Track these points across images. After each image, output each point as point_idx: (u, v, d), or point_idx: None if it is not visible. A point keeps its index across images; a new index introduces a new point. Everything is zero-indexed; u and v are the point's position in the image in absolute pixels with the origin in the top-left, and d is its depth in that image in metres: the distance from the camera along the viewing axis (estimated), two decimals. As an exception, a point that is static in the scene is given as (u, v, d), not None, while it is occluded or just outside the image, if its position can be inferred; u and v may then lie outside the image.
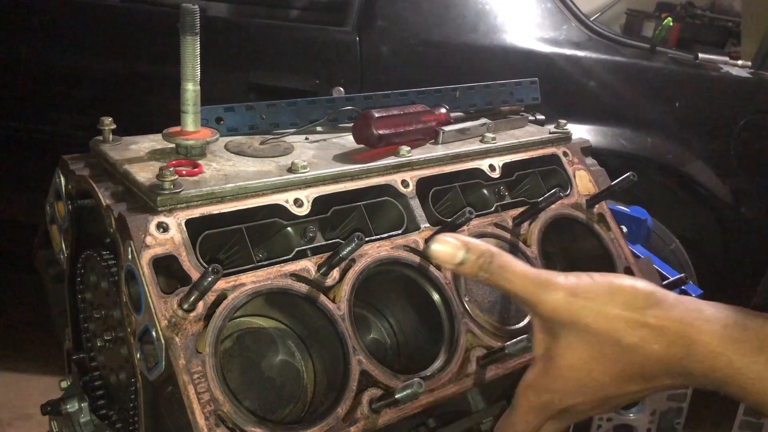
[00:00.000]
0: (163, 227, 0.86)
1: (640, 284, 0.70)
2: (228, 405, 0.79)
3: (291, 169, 0.99)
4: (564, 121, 1.34)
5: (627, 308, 0.68)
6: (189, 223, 0.88)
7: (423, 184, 1.10)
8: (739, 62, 2.53)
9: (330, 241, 1.00)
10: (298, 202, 0.97)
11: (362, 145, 1.12)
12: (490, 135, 1.24)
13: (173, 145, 1.02)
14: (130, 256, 0.84)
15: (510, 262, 0.71)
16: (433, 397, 0.95)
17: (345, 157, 1.09)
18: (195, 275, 0.84)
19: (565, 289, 0.70)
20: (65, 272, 1.07)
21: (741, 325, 0.65)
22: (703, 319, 0.66)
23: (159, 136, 1.04)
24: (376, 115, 1.10)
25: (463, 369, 0.99)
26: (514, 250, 1.14)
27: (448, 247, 0.70)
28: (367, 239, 0.97)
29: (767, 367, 0.62)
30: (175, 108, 1.00)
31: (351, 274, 0.95)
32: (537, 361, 0.76)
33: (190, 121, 1.00)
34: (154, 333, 0.81)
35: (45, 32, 2.34)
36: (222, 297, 0.85)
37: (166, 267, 0.85)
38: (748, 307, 0.67)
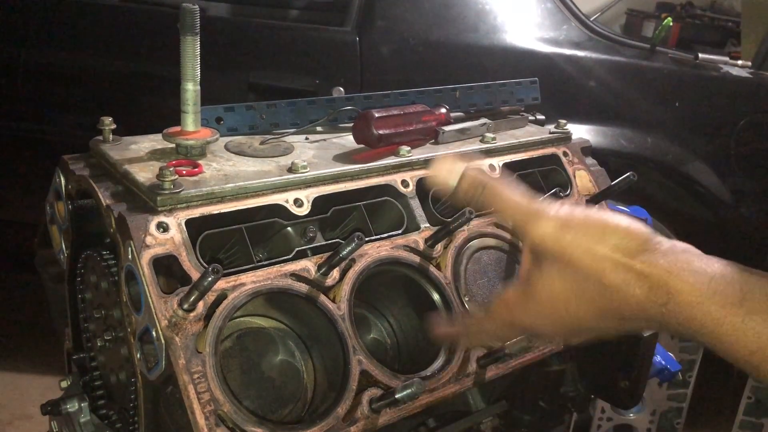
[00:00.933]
0: (163, 227, 0.86)
1: (635, 227, 0.68)
2: (228, 405, 0.79)
3: (291, 169, 0.99)
4: (564, 121, 1.34)
5: (616, 250, 0.67)
6: (189, 223, 0.88)
7: (423, 184, 1.10)
8: (739, 62, 2.53)
9: (330, 241, 1.00)
10: (298, 202, 0.97)
11: (362, 145, 1.12)
12: (490, 135, 1.24)
13: (173, 145, 1.02)
14: (130, 256, 0.84)
15: (502, 192, 0.71)
16: (433, 397, 0.95)
17: (345, 157, 1.09)
18: (195, 275, 0.84)
19: (556, 220, 0.69)
20: (65, 272, 1.07)
21: (727, 279, 0.63)
22: (690, 270, 0.65)
23: (159, 136, 1.04)
24: (376, 115, 1.10)
25: (463, 369, 0.99)
26: (514, 250, 1.14)
27: (442, 173, 0.71)
28: (367, 239, 0.97)
29: (744, 320, 0.61)
30: (175, 108, 1.00)
31: (351, 274, 0.95)
32: (520, 283, 0.75)
33: (190, 121, 1.00)
34: (154, 333, 0.81)
35: (45, 32, 2.34)
36: (222, 297, 0.85)
37: (166, 267, 0.85)
38: None
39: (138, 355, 0.85)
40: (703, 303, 0.63)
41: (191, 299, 0.80)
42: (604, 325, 0.71)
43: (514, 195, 0.71)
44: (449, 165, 0.71)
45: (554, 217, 0.69)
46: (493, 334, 0.81)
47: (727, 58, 2.56)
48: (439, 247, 1.05)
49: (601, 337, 0.73)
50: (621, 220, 0.69)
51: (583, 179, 1.30)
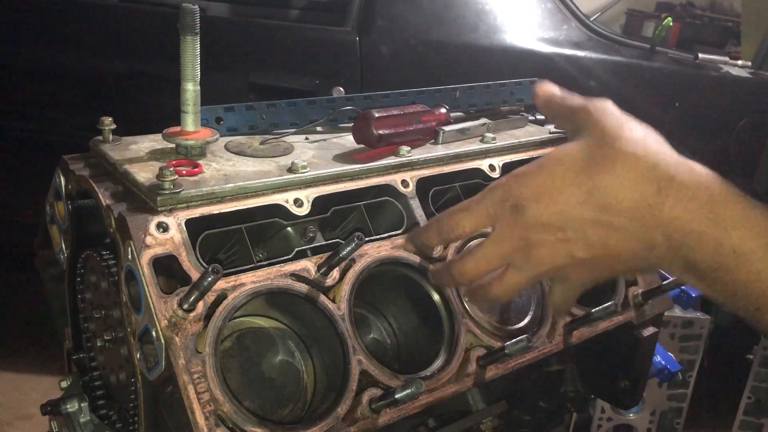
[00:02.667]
0: (163, 227, 0.86)
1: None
2: (228, 405, 0.79)
3: (291, 169, 0.99)
4: (564, 121, 1.34)
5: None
6: (189, 223, 0.88)
7: (423, 184, 1.10)
8: (739, 62, 2.53)
9: (330, 241, 1.00)
10: (298, 202, 0.97)
11: (362, 145, 1.12)
12: (490, 135, 1.24)
13: (173, 145, 1.02)
14: (130, 256, 0.84)
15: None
16: (433, 397, 0.95)
17: (345, 157, 1.09)
18: (195, 275, 0.84)
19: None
20: (65, 272, 1.07)
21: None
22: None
23: (159, 136, 1.04)
24: (376, 115, 1.10)
25: (463, 369, 0.99)
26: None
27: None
28: (367, 239, 0.97)
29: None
30: (175, 108, 1.00)
31: (351, 274, 0.95)
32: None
33: (190, 121, 1.00)
34: (154, 333, 0.81)
35: (45, 32, 2.34)
36: (222, 297, 0.85)
37: (166, 267, 0.85)
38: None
39: (138, 355, 0.85)
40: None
41: (191, 299, 0.80)
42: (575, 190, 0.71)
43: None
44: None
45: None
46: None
47: (727, 58, 2.56)
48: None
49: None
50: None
51: (583, 179, 1.30)
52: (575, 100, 0.81)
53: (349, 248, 0.89)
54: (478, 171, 1.19)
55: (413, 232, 0.92)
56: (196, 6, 0.94)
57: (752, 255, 0.64)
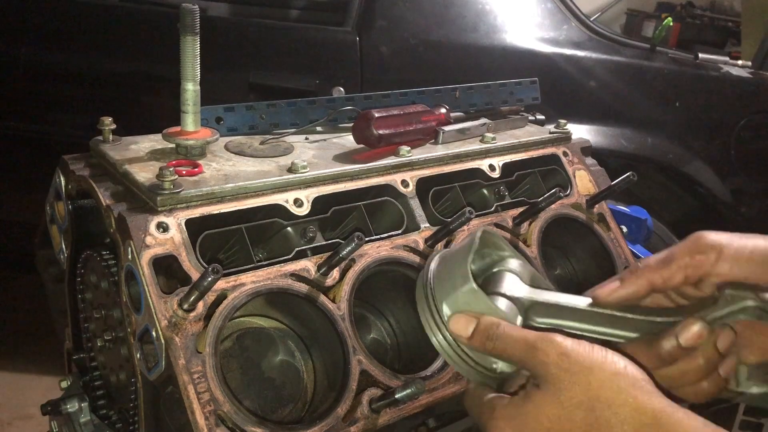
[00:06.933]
0: (163, 227, 0.86)
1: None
2: (228, 405, 0.79)
3: (291, 169, 0.99)
4: (564, 121, 1.34)
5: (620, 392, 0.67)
6: (189, 223, 0.88)
7: (423, 184, 1.10)
8: (739, 62, 2.53)
9: (330, 241, 1.00)
10: (298, 202, 0.97)
11: (362, 145, 1.12)
12: (490, 135, 1.24)
13: (173, 145, 1.02)
14: (130, 256, 0.84)
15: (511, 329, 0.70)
16: (433, 397, 0.95)
17: (345, 157, 1.09)
18: (195, 275, 0.84)
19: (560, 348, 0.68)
20: (65, 272, 1.07)
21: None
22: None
23: (159, 136, 1.04)
24: (376, 115, 1.10)
25: (463, 369, 0.98)
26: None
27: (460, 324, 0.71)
28: (367, 239, 0.97)
29: None
30: (175, 108, 1.00)
31: (351, 274, 0.95)
32: (516, 396, 0.72)
33: (190, 121, 1.00)
34: (154, 333, 0.81)
35: (45, 32, 2.34)
36: (222, 297, 0.85)
37: (166, 267, 0.85)
38: None
39: (138, 355, 0.85)
40: None
41: (191, 299, 0.80)
42: None
43: (520, 332, 0.70)
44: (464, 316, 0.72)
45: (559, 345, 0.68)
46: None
47: (727, 58, 2.56)
48: (439, 247, 1.05)
49: None
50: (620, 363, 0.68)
51: (583, 179, 1.30)
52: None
53: (349, 248, 0.89)
54: (478, 171, 1.19)
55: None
56: (196, 6, 0.94)
57: None
